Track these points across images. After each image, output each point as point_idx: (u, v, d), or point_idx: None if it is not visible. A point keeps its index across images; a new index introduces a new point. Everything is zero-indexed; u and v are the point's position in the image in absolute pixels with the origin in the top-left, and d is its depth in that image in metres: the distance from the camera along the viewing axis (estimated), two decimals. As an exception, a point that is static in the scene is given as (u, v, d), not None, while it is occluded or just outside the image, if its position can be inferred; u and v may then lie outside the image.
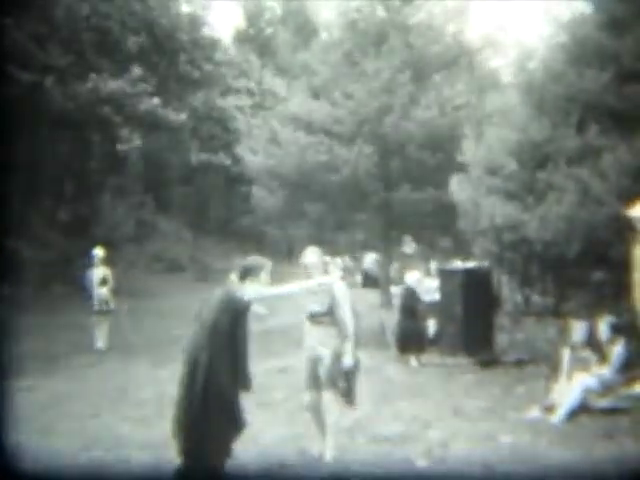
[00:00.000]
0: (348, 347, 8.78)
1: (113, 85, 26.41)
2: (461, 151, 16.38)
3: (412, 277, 17.21)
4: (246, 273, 7.87)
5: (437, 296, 17.90)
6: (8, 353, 16.84)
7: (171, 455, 7.64)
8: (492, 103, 17.92)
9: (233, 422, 7.52)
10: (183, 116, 29.98)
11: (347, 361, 8.78)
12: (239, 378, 7.54)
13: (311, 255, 9.02)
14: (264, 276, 7.86)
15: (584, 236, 13.05)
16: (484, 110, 18.99)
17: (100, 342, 18.28)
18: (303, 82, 24.73)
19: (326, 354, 8.80)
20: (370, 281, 30.47)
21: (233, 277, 7.94)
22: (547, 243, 13.52)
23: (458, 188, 15.92)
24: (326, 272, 9.10)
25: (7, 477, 7.96)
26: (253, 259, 8.10)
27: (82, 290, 18.84)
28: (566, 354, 11.81)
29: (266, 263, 8.01)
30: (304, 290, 8.39)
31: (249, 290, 7.66)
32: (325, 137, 22.67)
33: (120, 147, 30.32)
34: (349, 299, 8.98)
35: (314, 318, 8.92)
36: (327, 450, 8.79)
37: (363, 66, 22.82)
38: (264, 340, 17.07)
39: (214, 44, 34.36)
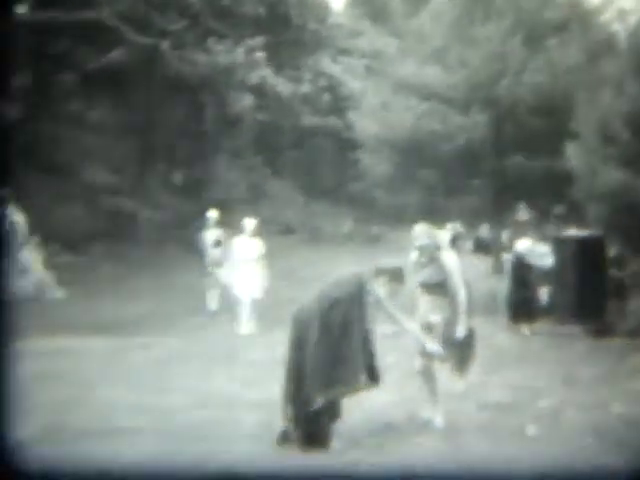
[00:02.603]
0: (461, 318, 8.73)
1: (228, 57, 26.62)
2: (574, 117, 16.11)
3: (523, 244, 17.03)
4: (385, 274, 8.00)
5: (549, 263, 17.63)
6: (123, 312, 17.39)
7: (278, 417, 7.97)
8: (606, 69, 17.49)
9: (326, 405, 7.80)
10: (292, 86, 30.10)
11: (459, 332, 8.73)
12: (358, 368, 7.78)
13: (421, 236, 8.95)
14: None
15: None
16: (598, 76, 18.57)
17: (212, 304, 18.51)
18: (416, 47, 24.55)
19: (437, 323, 8.80)
20: (481, 248, 30.22)
21: (369, 269, 8.08)
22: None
23: (573, 155, 15.68)
24: (437, 249, 9.00)
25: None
26: (400, 268, 8.19)
27: (196, 251, 19.11)
28: None
29: (405, 279, 8.14)
30: (419, 337, 8.45)
31: (378, 289, 7.78)
32: (439, 104, 22.53)
33: (233, 111, 30.62)
34: (460, 269, 8.91)
35: (425, 287, 8.91)
36: (437, 415, 8.83)
37: (474, 32, 22.55)
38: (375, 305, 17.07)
39: (326, 7, 34.35)
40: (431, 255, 8.86)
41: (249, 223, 15.94)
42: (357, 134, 26.14)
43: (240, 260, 15.75)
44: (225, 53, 26.61)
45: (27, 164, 25.37)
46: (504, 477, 6.78)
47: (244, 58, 26.97)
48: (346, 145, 34.77)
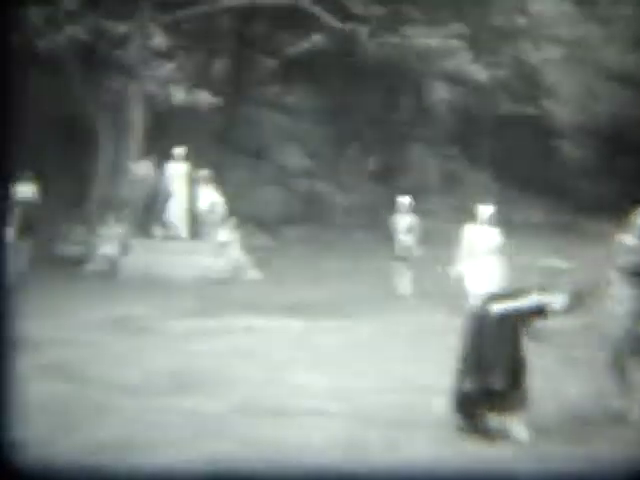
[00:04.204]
0: None
1: (426, 41, 26.47)
2: None
3: None
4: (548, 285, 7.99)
5: None
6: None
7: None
8: None
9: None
10: (489, 73, 29.67)
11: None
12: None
13: None
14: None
15: None
16: None
17: (402, 288, 18.51)
18: (620, 34, 23.84)
19: (622, 314, 8.54)
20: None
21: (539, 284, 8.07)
22: None
23: None
24: None
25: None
26: (597, 286, 8.37)
27: (387, 237, 19.11)
28: None
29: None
30: None
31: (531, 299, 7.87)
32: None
33: (429, 99, 30.52)
34: None
35: (628, 273, 8.58)
36: (631, 408, 8.57)
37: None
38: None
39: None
40: None
41: (485, 210, 14.33)
42: (556, 122, 25.64)
43: (473, 251, 14.16)
44: (422, 38, 26.47)
45: (225, 146, 26.09)
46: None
47: (441, 43, 26.77)
48: (542, 133, 34.12)
